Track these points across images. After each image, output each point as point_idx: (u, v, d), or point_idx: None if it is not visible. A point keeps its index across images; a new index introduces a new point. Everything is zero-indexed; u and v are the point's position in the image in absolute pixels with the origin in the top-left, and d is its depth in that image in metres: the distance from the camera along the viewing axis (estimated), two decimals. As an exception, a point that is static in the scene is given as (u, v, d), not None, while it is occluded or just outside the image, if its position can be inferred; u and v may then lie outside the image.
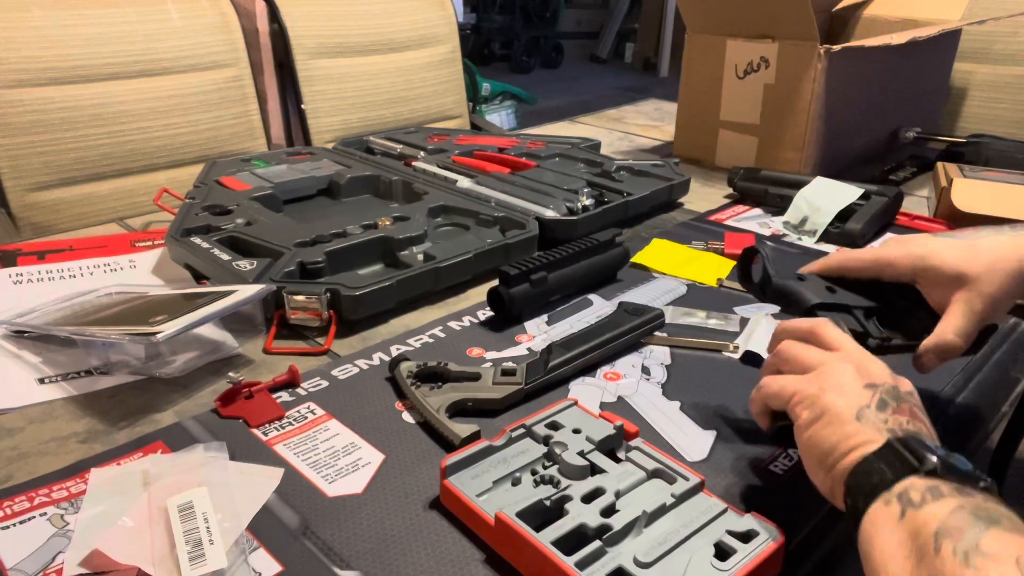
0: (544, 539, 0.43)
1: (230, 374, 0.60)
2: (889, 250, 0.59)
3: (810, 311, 0.58)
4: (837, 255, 0.62)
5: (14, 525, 0.47)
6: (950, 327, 0.54)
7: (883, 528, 0.39)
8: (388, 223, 0.87)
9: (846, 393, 0.45)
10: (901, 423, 0.43)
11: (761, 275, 0.61)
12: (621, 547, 0.43)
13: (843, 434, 0.44)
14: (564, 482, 0.48)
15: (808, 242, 0.97)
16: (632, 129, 1.60)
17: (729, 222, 1.03)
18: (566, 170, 1.11)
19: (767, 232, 1.00)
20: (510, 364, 0.63)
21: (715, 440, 0.58)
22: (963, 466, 0.40)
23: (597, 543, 0.43)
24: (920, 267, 0.56)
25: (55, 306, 0.73)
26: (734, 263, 0.89)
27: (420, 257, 0.81)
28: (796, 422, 0.47)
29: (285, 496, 0.50)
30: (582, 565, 0.41)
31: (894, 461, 0.41)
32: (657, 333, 0.72)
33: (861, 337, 0.56)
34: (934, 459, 0.40)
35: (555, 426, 0.54)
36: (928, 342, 0.55)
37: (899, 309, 0.58)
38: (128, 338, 0.62)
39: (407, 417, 0.59)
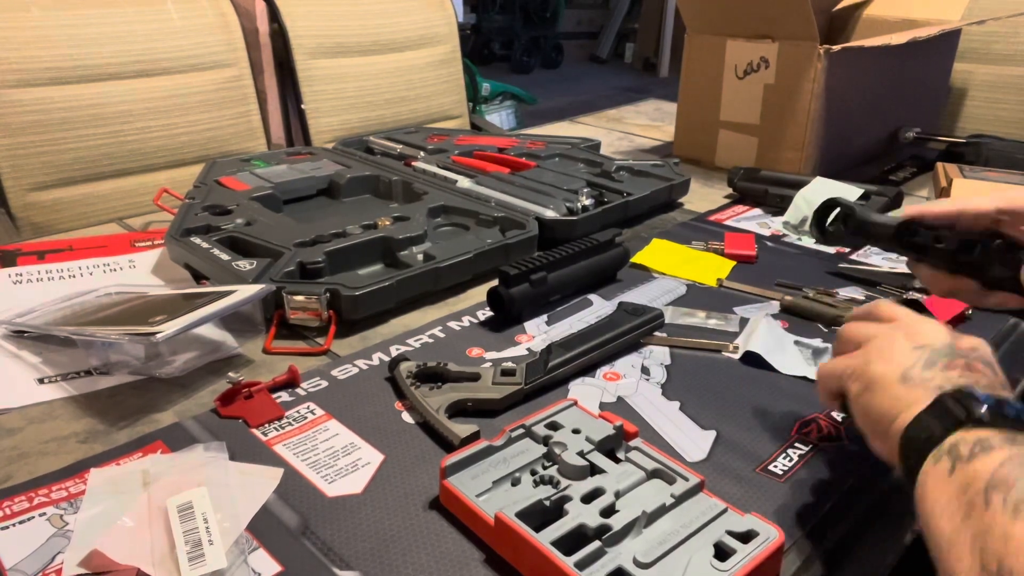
0: (544, 539, 0.43)
1: (230, 374, 0.60)
2: (966, 197, 0.59)
3: (898, 231, 0.59)
4: (913, 206, 0.61)
5: (14, 525, 0.47)
6: None
7: (934, 486, 0.38)
8: (388, 223, 0.87)
9: (892, 359, 0.45)
10: (951, 378, 0.43)
11: (843, 216, 0.61)
12: (621, 547, 0.43)
13: (891, 398, 0.43)
14: (564, 482, 0.48)
15: (808, 242, 0.97)
16: (632, 129, 1.60)
17: (729, 222, 1.03)
18: (566, 170, 1.11)
19: (767, 232, 1.00)
20: (510, 364, 0.63)
21: (715, 440, 0.57)
22: (1015, 412, 0.39)
23: (597, 543, 0.43)
24: (1004, 205, 0.56)
25: (55, 306, 0.73)
26: (734, 263, 0.89)
27: (420, 257, 0.81)
28: (848, 397, 0.47)
29: (285, 496, 0.50)
30: (582, 565, 0.41)
31: (942, 416, 0.40)
32: (657, 333, 0.72)
33: (941, 253, 0.58)
34: (982, 409, 0.39)
35: (555, 426, 0.54)
36: None
37: (979, 254, 0.58)
38: (128, 338, 0.62)
39: (407, 417, 0.59)
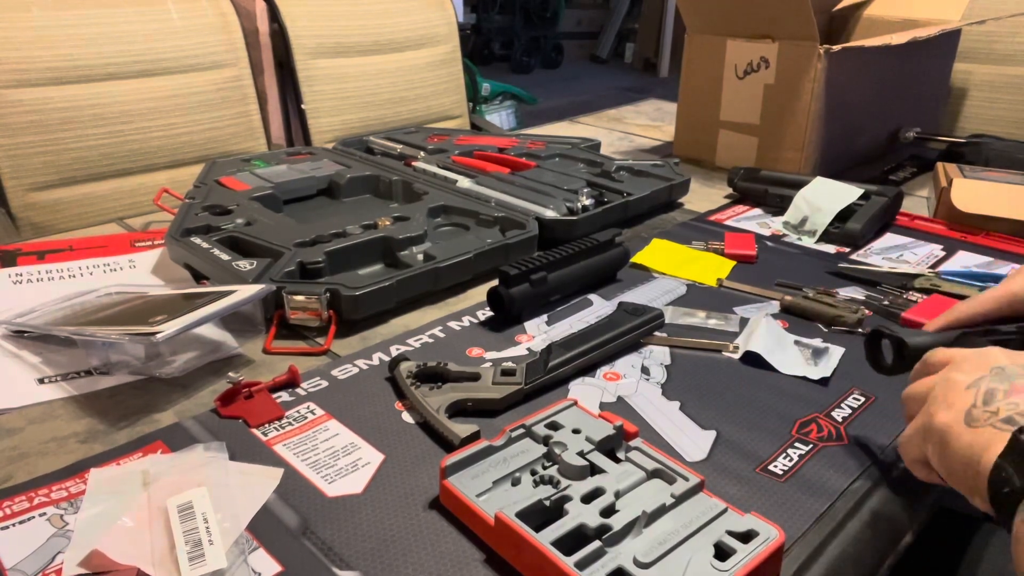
0: (544, 539, 0.43)
1: (230, 374, 0.60)
2: (1014, 281, 0.56)
3: (956, 343, 0.55)
4: (960, 305, 0.58)
5: (13, 525, 0.47)
6: None
7: None
8: (388, 223, 0.87)
9: (953, 404, 0.42)
10: (1015, 404, 0.40)
11: (893, 345, 0.58)
12: (621, 547, 0.43)
13: (964, 447, 0.40)
14: (564, 482, 0.48)
15: (808, 242, 0.97)
16: (632, 129, 1.60)
17: (729, 222, 1.03)
18: (566, 170, 1.11)
19: (767, 232, 1.00)
20: (510, 364, 0.63)
21: (715, 440, 0.57)
22: None
23: (597, 543, 0.43)
24: None
25: (55, 306, 0.73)
26: (734, 263, 0.89)
27: (420, 257, 0.81)
28: (930, 460, 0.44)
29: (285, 496, 0.50)
30: (582, 565, 0.41)
31: (1018, 462, 0.37)
32: (657, 333, 0.72)
33: (1003, 343, 0.53)
34: None
35: (555, 426, 0.54)
36: None
37: None
38: (128, 338, 0.62)
39: (407, 417, 0.59)
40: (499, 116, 3.32)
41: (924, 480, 0.48)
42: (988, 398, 0.41)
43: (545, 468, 0.50)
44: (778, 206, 1.06)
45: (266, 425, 0.57)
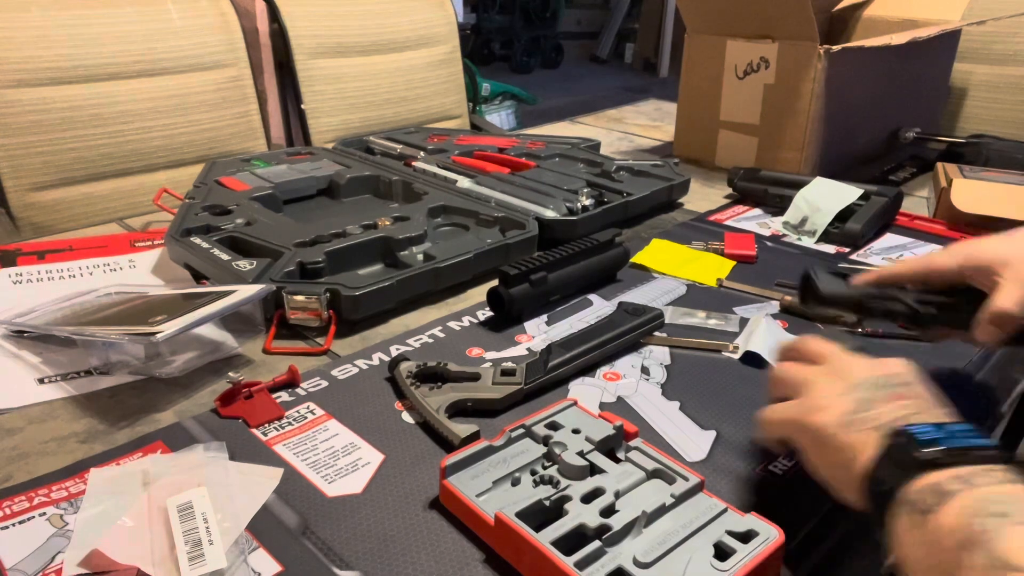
0: (544, 539, 0.43)
1: (230, 374, 0.60)
2: (935, 253, 0.60)
3: (859, 303, 0.60)
4: (887, 265, 0.62)
5: (13, 525, 0.47)
6: (1002, 296, 0.55)
7: (905, 541, 0.38)
8: (388, 223, 0.87)
9: (831, 407, 0.45)
10: (888, 412, 0.43)
11: (806, 283, 0.63)
12: (621, 547, 0.43)
13: (840, 448, 0.43)
14: (564, 482, 0.48)
15: (808, 242, 0.97)
16: (632, 129, 1.60)
17: (729, 222, 1.03)
18: (566, 170, 1.11)
19: (767, 232, 1.00)
20: (510, 364, 0.63)
21: (715, 440, 0.57)
22: (962, 442, 0.39)
23: (597, 543, 0.43)
24: (965, 262, 0.57)
25: (55, 306, 0.73)
26: (734, 263, 0.89)
27: (420, 257, 0.81)
28: (799, 449, 0.47)
29: (285, 496, 0.50)
30: (582, 565, 0.41)
31: (891, 468, 0.40)
32: (657, 333, 0.72)
33: (911, 316, 0.58)
34: (926, 451, 0.39)
35: (555, 426, 0.54)
36: (982, 312, 0.55)
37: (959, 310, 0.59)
38: (128, 338, 0.62)
39: (407, 417, 0.59)
40: (499, 116, 3.32)
41: (774, 452, 0.53)
42: (864, 406, 0.44)
43: (545, 468, 0.50)
44: (778, 206, 1.06)
45: (266, 425, 0.57)
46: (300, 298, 0.70)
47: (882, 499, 0.40)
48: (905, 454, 0.40)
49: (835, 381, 0.47)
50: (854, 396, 0.45)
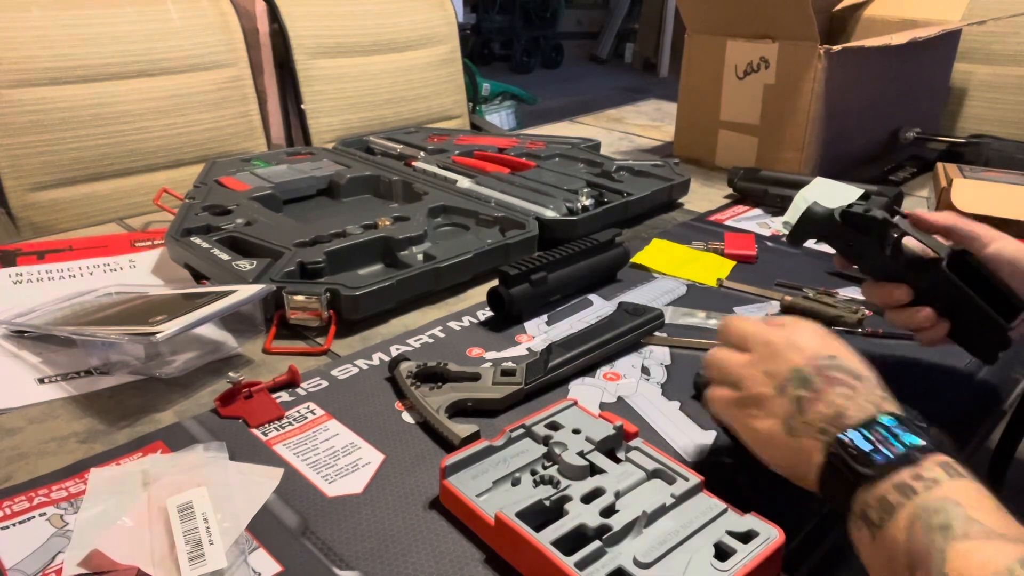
0: (544, 539, 0.43)
1: (230, 374, 0.60)
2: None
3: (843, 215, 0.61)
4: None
5: (14, 525, 0.47)
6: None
7: (864, 551, 0.40)
8: (388, 223, 0.87)
9: (771, 412, 0.46)
10: (828, 409, 0.44)
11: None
12: (621, 547, 0.43)
13: (788, 452, 0.45)
14: (564, 482, 0.48)
15: (808, 242, 0.96)
16: (632, 129, 1.60)
17: (729, 222, 1.03)
18: (566, 170, 1.11)
19: (767, 232, 1.00)
20: (510, 364, 0.63)
21: (715, 440, 0.57)
22: (895, 446, 0.40)
23: (597, 543, 0.43)
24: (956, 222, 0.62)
25: (55, 306, 0.73)
26: (734, 263, 0.89)
27: (420, 257, 0.81)
28: (745, 440, 0.49)
29: (285, 496, 0.50)
30: (582, 565, 0.41)
31: (837, 483, 0.42)
32: (657, 333, 0.72)
33: (882, 225, 0.59)
34: (863, 472, 0.40)
35: (555, 426, 0.54)
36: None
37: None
38: (128, 338, 0.62)
39: (407, 417, 0.59)
40: (499, 116, 3.32)
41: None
42: (800, 408, 0.45)
43: (545, 468, 0.50)
44: (778, 206, 1.06)
45: (266, 425, 0.57)
46: (300, 298, 0.70)
47: (837, 506, 0.42)
48: (847, 471, 0.41)
49: (765, 378, 0.47)
50: (789, 396, 0.46)
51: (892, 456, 0.40)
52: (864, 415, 0.43)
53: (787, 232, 0.65)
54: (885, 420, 0.42)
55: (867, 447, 0.41)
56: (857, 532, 0.40)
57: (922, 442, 0.41)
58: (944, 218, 0.63)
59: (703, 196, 1.14)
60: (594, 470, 0.49)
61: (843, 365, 0.46)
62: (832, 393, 0.45)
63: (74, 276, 0.83)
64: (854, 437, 0.42)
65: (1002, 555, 0.34)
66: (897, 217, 0.60)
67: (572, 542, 0.43)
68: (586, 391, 0.63)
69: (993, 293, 0.58)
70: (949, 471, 0.39)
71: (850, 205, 0.61)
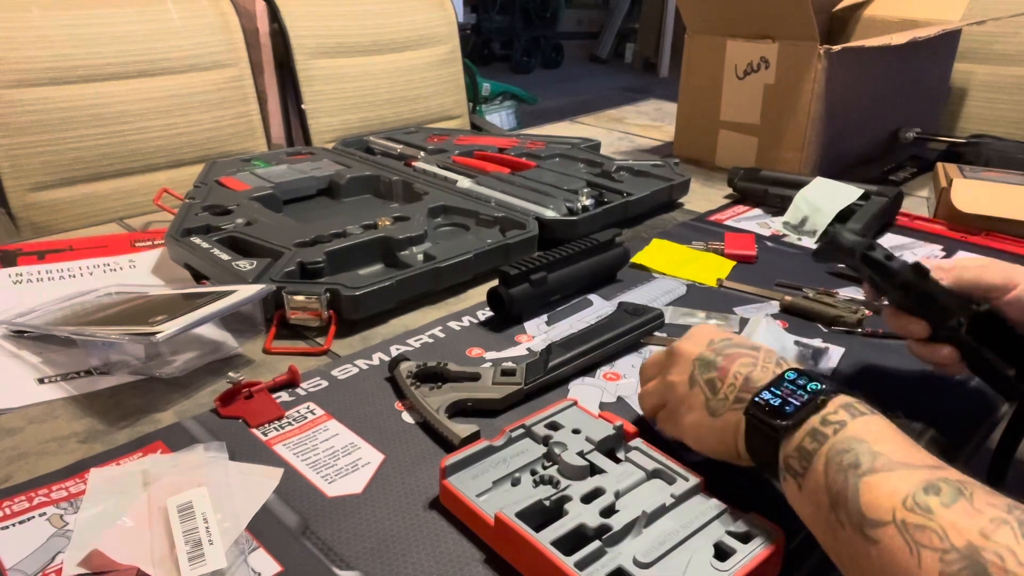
0: (544, 539, 0.43)
1: (230, 374, 0.60)
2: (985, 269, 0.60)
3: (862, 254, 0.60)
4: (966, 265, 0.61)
5: (13, 525, 0.47)
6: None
7: (796, 503, 0.43)
8: (388, 223, 0.87)
9: (692, 406, 0.50)
10: (734, 385, 0.48)
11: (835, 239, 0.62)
12: (621, 547, 0.43)
13: (717, 435, 0.48)
14: (564, 482, 0.48)
15: (808, 242, 0.97)
16: (632, 129, 1.60)
17: (729, 222, 1.03)
18: (566, 170, 1.11)
19: (767, 232, 1.00)
20: (510, 364, 0.63)
21: (715, 440, 0.57)
22: (801, 396, 0.44)
23: (597, 543, 0.43)
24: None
25: (55, 306, 0.73)
26: (734, 263, 0.89)
27: (420, 257, 0.81)
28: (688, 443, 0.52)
29: (285, 496, 0.50)
30: (582, 565, 0.41)
31: (760, 441, 0.45)
32: (657, 333, 0.72)
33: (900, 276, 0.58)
34: (778, 425, 0.43)
35: (555, 426, 0.54)
36: None
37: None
38: (128, 338, 0.62)
39: (407, 417, 0.59)
40: (499, 116, 3.32)
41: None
42: (713, 389, 0.49)
43: (545, 468, 0.50)
44: (778, 206, 1.06)
45: (266, 425, 0.57)
46: (300, 298, 0.70)
47: (768, 468, 0.45)
48: (765, 428, 0.44)
49: (676, 380, 0.51)
50: (699, 383, 0.50)
51: (799, 404, 0.43)
52: (770, 376, 0.47)
53: (815, 247, 0.63)
54: (789, 375, 0.46)
55: (777, 402, 0.44)
56: (786, 486, 0.43)
57: (823, 386, 0.44)
58: (969, 271, 0.59)
59: (703, 196, 1.14)
60: (594, 470, 0.49)
61: (738, 342, 0.50)
62: (736, 365, 0.48)
63: (74, 276, 0.83)
64: (766, 396, 0.45)
65: (906, 482, 0.37)
66: (916, 265, 0.57)
67: (572, 542, 0.43)
68: (586, 391, 0.63)
69: (1018, 346, 0.56)
70: (852, 411, 0.42)
71: (871, 247, 0.59)
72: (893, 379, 0.66)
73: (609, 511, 0.46)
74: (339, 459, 0.54)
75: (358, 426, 0.58)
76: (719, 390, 0.48)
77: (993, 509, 0.35)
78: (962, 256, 0.63)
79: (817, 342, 0.71)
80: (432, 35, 1.63)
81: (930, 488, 0.36)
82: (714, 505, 0.47)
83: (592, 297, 0.80)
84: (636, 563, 0.42)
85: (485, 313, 0.76)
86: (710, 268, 0.87)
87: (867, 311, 0.75)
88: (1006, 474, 1.02)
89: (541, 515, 0.46)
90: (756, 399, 0.45)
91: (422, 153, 1.17)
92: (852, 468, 0.39)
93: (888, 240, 0.98)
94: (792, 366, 0.47)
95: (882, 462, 0.38)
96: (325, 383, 0.63)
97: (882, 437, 0.40)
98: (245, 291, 0.66)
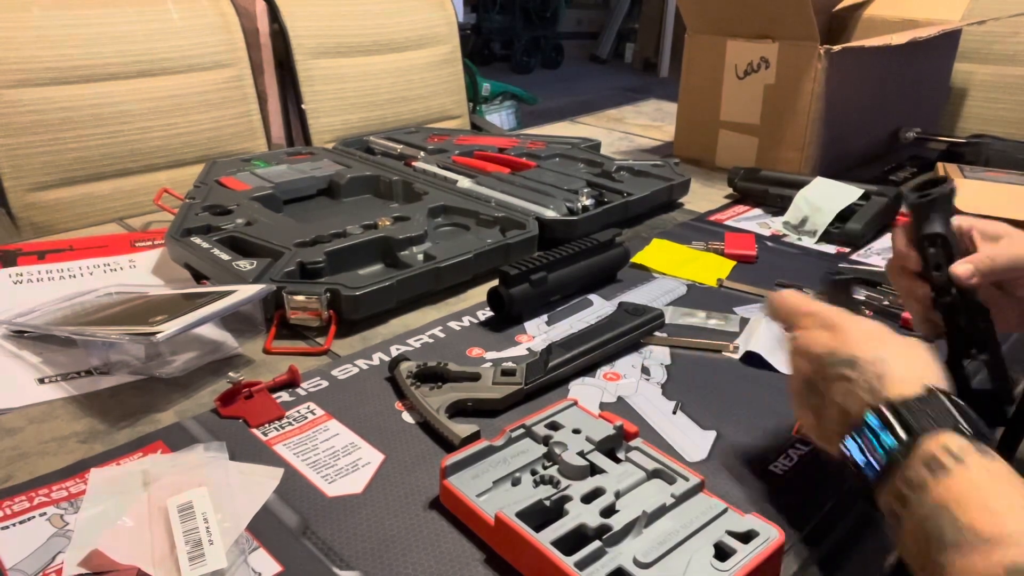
0: (544, 539, 0.43)
1: (230, 374, 0.60)
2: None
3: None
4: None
5: (14, 525, 0.47)
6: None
7: (898, 543, 0.40)
8: (388, 223, 0.87)
9: (804, 414, 0.48)
10: (832, 423, 0.45)
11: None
12: (621, 547, 0.43)
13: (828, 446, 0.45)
14: (564, 482, 0.48)
15: (808, 242, 0.97)
16: (632, 129, 1.60)
17: (729, 222, 1.03)
18: (566, 170, 1.11)
19: (767, 232, 1.00)
20: (510, 364, 0.63)
21: (715, 440, 0.57)
22: (883, 447, 0.40)
23: (597, 543, 0.43)
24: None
25: (55, 306, 0.73)
26: (734, 263, 0.89)
27: (420, 257, 0.81)
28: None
29: (285, 496, 0.50)
30: (582, 565, 0.41)
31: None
32: (657, 333, 0.72)
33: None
34: (868, 482, 0.40)
35: (555, 426, 0.54)
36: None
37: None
38: (128, 338, 0.62)
39: (407, 417, 0.59)
40: (499, 116, 3.31)
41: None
42: (818, 415, 0.46)
43: (545, 468, 0.50)
44: (778, 206, 1.06)
45: (266, 425, 0.57)
46: (300, 298, 0.70)
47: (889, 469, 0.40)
48: (855, 480, 0.41)
49: (795, 391, 0.48)
50: (809, 406, 0.47)
51: (879, 468, 0.40)
52: (858, 410, 0.42)
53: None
54: (870, 419, 0.41)
55: (861, 459, 0.41)
56: (890, 524, 0.40)
57: (897, 443, 0.39)
58: (1001, 256, 0.56)
59: (703, 196, 1.14)
60: (594, 470, 0.49)
61: (839, 356, 0.45)
62: (834, 392, 0.44)
63: (74, 276, 0.83)
64: (851, 447, 0.42)
65: (990, 565, 0.33)
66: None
67: (572, 542, 0.43)
68: (586, 391, 0.63)
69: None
70: (934, 469, 0.37)
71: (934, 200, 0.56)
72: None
73: (609, 511, 0.46)
74: (339, 459, 0.54)
75: (358, 426, 0.58)
76: (822, 419, 0.46)
77: None
78: (980, 224, 0.59)
79: (817, 342, 0.71)
80: (432, 35, 1.63)
81: (1014, 572, 0.33)
82: (714, 505, 0.47)
83: (592, 297, 0.80)
84: (636, 563, 0.42)
85: (485, 313, 0.76)
86: (710, 268, 0.87)
87: (867, 311, 0.75)
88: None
89: (541, 515, 0.46)
90: (843, 447, 0.42)
91: (422, 153, 1.17)
92: (936, 540, 0.36)
93: (888, 240, 0.98)
94: (882, 397, 0.42)
95: (966, 539, 0.35)
96: (325, 383, 0.63)
97: (966, 501, 0.36)
98: (245, 291, 0.66)
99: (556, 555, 0.42)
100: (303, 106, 1.46)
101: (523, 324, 0.74)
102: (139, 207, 1.16)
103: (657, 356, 0.69)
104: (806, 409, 0.48)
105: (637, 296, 0.81)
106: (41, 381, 0.63)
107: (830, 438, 0.45)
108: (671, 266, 0.87)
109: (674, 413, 0.61)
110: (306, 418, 0.59)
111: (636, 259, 0.88)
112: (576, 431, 0.53)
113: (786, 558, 0.46)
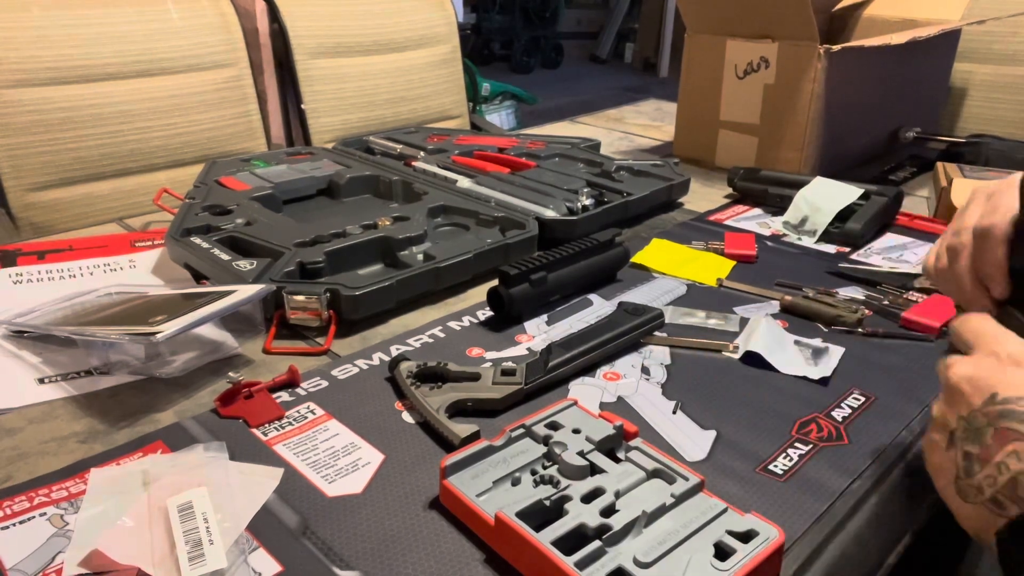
0: (544, 539, 0.43)
1: (230, 374, 0.60)
2: None
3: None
4: None
5: (14, 525, 0.47)
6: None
7: None
8: (388, 223, 0.87)
9: (939, 469, 0.41)
10: (994, 478, 0.37)
11: None
12: (621, 547, 0.43)
13: (964, 517, 0.40)
14: (564, 482, 0.48)
15: (808, 242, 0.97)
16: (632, 129, 1.60)
17: (729, 222, 1.03)
18: (566, 170, 1.11)
19: (767, 232, 1.00)
20: (510, 364, 0.63)
21: (715, 440, 0.57)
22: None
23: (597, 543, 0.43)
24: None
25: (55, 306, 0.73)
26: (734, 263, 0.89)
27: (420, 257, 0.81)
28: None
29: (285, 496, 0.50)
30: (582, 565, 0.41)
31: (1016, 558, 0.36)
32: (657, 333, 0.72)
33: None
34: None
35: (555, 426, 0.54)
36: None
37: None
38: (128, 338, 0.62)
39: (407, 417, 0.59)
40: (499, 116, 3.32)
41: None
42: (968, 469, 0.39)
43: (545, 468, 0.50)
44: (778, 206, 1.06)
45: (266, 425, 0.57)
46: (300, 298, 0.70)
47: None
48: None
49: (940, 415, 0.42)
50: (957, 449, 0.39)
51: None
52: None
53: None
54: None
55: None
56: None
57: None
58: None
59: (703, 196, 1.14)
60: (594, 470, 0.49)
61: (1018, 410, 0.37)
62: (1004, 453, 0.37)
63: (74, 276, 0.83)
64: (1014, 543, 0.36)
65: None
66: None
67: (572, 542, 0.43)
68: (586, 391, 0.63)
69: None
70: None
71: None
72: (893, 378, 0.66)
73: (609, 511, 0.46)
74: (339, 459, 0.54)
75: (358, 426, 0.58)
76: (975, 474, 0.38)
77: None
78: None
79: (817, 342, 0.71)
80: (432, 35, 1.63)
81: None
82: (714, 505, 0.47)
83: (592, 297, 0.80)
84: (636, 563, 0.42)
85: (485, 313, 0.76)
86: (710, 268, 0.87)
87: (867, 311, 0.75)
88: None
89: (541, 515, 0.46)
90: (1013, 524, 0.35)
91: (422, 153, 1.17)
92: None
93: (888, 240, 0.98)
94: None
95: None
96: (325, 383, 0.63)
97: None
98: (245, 291, 0.66)
99: (556, 555, 0.42)
100: (303, 106, 1.46)
101: (523, 324, 0.74)
102: (139, 207, 1.16)
103: (657, 356, 0.69)
104: (949, 456, 0.40)
105: (637, 296, 0.81)
106: (41, 381, 0.63)
107: (979, 513, 0.38)
108: (671, 266, 0.87)
109: (674, 413, 0.61)
110: (306, 418, 0.59)
111: (636, 259, 0.88)
112: (576, 431, 0.53)
113: (786, 558, 0.46)
